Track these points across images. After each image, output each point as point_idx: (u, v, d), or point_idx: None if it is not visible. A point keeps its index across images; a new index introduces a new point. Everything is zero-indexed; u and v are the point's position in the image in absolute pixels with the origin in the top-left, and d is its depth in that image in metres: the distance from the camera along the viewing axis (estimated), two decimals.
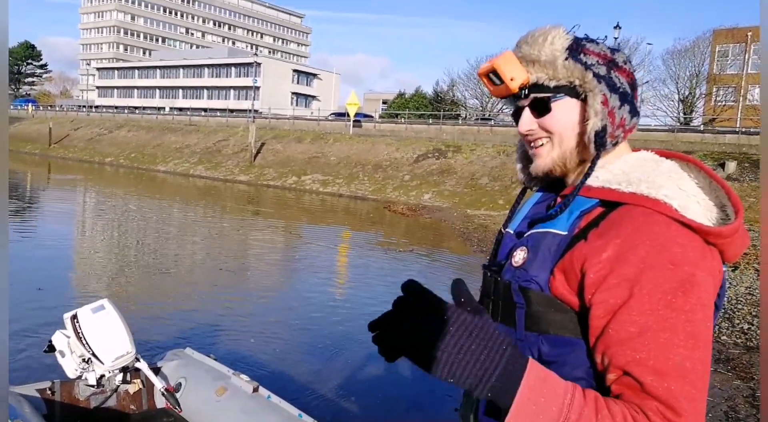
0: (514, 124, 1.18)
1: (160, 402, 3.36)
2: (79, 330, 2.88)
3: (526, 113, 1.09)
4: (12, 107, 57.27)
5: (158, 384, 3.22)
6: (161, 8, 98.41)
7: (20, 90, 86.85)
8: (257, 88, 60.44)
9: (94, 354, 2.88)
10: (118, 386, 3.20)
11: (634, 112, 1.07)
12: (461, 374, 0.85)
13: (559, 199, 1.11)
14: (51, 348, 3.00)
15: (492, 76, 1.08)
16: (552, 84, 1.05)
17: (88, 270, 9.29)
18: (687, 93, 43.28)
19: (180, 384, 3.40)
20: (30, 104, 60.49)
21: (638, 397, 0.89)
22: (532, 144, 1.11)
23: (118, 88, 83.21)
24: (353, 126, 33.07)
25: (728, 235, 0.95)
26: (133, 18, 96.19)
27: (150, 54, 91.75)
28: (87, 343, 2.87)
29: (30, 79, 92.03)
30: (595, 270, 0.94)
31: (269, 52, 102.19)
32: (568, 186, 1.12)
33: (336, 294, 8.72)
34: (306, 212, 19.63)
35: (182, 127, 39.28)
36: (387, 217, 18.71)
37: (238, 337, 6.17)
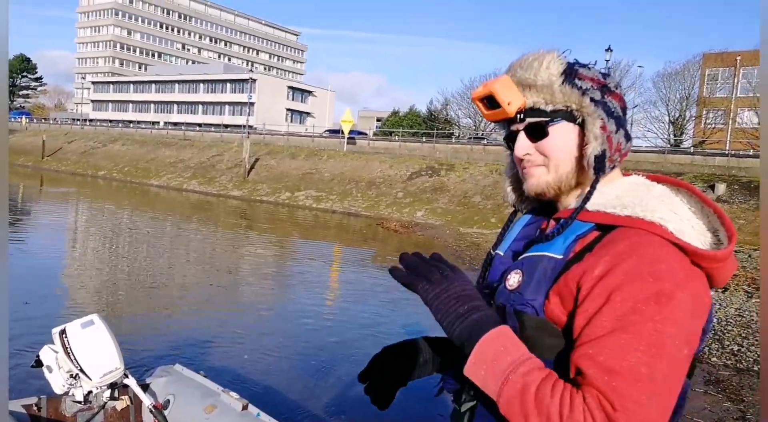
0: (505, 146, 1.19)
1: (148, 420, 3.32)
2: (67, 346, 2.84)
3: (522, 137, 1.09)
4: None
5: (146, 401, 3.18)
6: (158, 24, 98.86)
7: (14, 102, 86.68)
8: (252, 103, 60.59)
9: (82, 370, 2.85)
10: (106, 402, 3.15)
11: (628, 137, 1.08)
12: (446, 317, 0.98)
13: (552, 223, 1.11)
14: (38, 363, 2.96)
15: (487, 100, 1.08)
16: (548, 108, 1.06)
17: (77, 285, 9.21)
18: (677, 115, 43.79)
19: (168, 401, 3.36)
20: (24, 116, 60.47)
21: (582, 386, 0.89)
22: (526, 166, 1.10)
23: (113, 101, 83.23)
24: (347, 143, 33.16)
25: (722, 259, 0.96)
26: (129, 33, 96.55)
27: (146, 69, 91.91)
28: (75, 359, 2.84)
29: (25, 92, 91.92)
30: (587, 286, 0.95)
31: (265, 68, 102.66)
32: (560, 209, 1.12)
33: (328, 310, 8.67)
34: (299, 228, 19.59)
35: (176, 142, 39.26)
36: (380, 234, 18.70)
37: (229, 353, 6.12)
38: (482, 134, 43.31)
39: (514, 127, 1.11)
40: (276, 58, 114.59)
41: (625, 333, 0.88)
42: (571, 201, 1.10)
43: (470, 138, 42.45)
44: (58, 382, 2.92)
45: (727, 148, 30.69)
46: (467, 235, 17.88)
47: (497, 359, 0.92)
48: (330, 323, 7.76)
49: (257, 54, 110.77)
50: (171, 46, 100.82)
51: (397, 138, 40.01)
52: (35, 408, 3.09)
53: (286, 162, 30.20)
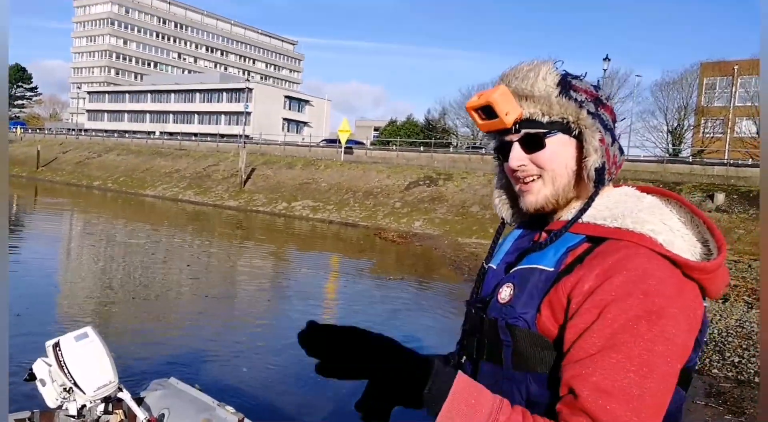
0: (494, 157, 1.16)
1: None
2: (61, 359, 2.79)
3: (517, 148, 1.07)
4: None
5: (140, 415, 3.12)
6: (154, 33, 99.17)
7: (9, 112, 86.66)
8: (249, 113, 60.70)
9: (75, 384, 2.80)
10: (99, 416, 3.10)
11: (621, 150, 1.09)
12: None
13: (544, 235, 1.10)
14: (31, 377, 2.91)
15: (483, 110, 1.06)
16: (545, 120, 1.05)
17: (71, 296, 9.13)
18: (675, 124, 44.08)
19: (163, 415, 3.31)
20: (18, 126, 60.39)
21: (571, 412, 0.88)
22: (522, 180, 1.09)
23: (108, 111, 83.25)
24: (344, 152, 33.21)
25: (712, 270, 0.96)
26: (125, 42, 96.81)
27: (141, 78, 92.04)
28: (69, 372, 2.79)
29: (20, 102, 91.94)
30: (577, 301, 0.94)
31: (261, 77, 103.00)
32: (552, 221, 1.11)
33: (326, 321, 8.61)
34: (296, 238, 19.54)
35: (172, 152, 39.25)
36: (378, 244, 18.65)
37: (225, 366, 6.05)
38: (480, 144, 43.46)
39: (508, 138, 1.09)
40: (273, 67, 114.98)
41: (616, 352, 0.89)
42: (565, 213, 1.10)
43: (468, 147, 42.60)
44: (51, 396, 2.88)
45: (726, 158, 30.87)
46: (466, 245, 17.85)
47: (473, 413, 0.88)
48: None
49: (254, 63, 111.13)
50: (167, 55, 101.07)
51: (394, 147, 40.08)
52: None
53: (283, 172, 30.18)
